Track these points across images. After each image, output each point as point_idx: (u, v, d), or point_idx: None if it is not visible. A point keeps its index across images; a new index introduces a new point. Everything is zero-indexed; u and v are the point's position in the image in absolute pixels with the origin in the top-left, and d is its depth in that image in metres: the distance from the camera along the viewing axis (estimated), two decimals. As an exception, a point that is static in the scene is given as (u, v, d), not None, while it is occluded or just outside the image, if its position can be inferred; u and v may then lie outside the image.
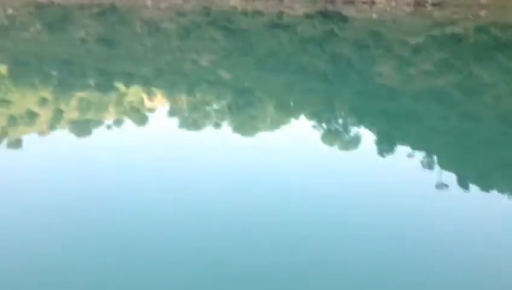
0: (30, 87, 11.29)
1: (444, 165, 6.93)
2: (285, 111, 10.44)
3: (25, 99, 10.10)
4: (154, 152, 7.06)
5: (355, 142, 8.30)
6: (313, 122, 9.50)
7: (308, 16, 38.13)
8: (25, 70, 13.52)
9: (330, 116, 10.07)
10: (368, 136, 8.62)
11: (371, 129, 9.10)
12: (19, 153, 6.98)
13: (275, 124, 9.46)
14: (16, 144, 7.41)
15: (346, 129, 9.02)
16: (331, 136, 8.55)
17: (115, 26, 27.68)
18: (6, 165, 6.42)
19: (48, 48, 18.28)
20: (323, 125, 9.27)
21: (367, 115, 10.09)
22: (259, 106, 10.80)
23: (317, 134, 8.62)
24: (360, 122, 9.63)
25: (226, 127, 8.89)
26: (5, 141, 7.44)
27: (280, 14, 38.57)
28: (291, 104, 11.27)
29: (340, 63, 17.05)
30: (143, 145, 7.50)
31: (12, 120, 8.53)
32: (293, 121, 9.68)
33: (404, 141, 8.12)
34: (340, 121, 9.78)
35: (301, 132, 8.92)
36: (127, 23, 29.97)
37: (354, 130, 9.02)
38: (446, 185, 5.97)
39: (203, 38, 22.61)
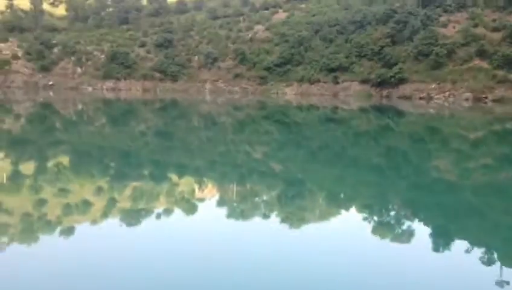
0: (88, 177, 12.11)
1: (504, 262, 6.52)
2: (335, 203, 10.41)
3: (81, 189, 10.82)
4: (202, 242, 7.23)
5: (408, 235, 8.04)
6: (364, 215, 9.38)
7: (363, 110, 39.08)
8: (85, 161, 14.61)
9: (382, 208, 9.89)
10: (422, 230, 8.35)
11: (426, 223, 8.81)
12: (71, 241, 7.38)
13: (325, 216, 9.43)
14: (69, 231, 7.85)
15: (399, 222, 8.79)
16: (382, 229, 8.35)
17: (174, 119, 29.62)
18: (58, 252, 6.79)
19: (109, 140, 19.78)
20: (375, 217, 9.10)
21: (422, 209, 9.83)
22: (309, 198, 10.86)
23: (368, 226, 8.46)
24: (414, 215, 9.37)
25: (274, 217, 8.96)
26: (58, 229, 7.91)
27: (335, 109, 39.80)
28: (342, 196, 11.24)
29: (394, 156, 17.02)
30: (191, 234, 7.72)
31: (68, 209, 9.11)
32: (343, 212, 9.61)
33: (461, 236, 7.77)
34: (393, 213, 9.57)
35: (351, 224, 8.81)
36: (186, 116, 31.99)
37: (408, 223, 8.77)
38: (507, 283, 5.59)
39: (257, 132, 23.56)
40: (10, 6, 78.65)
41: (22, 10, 77.49)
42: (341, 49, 58.75)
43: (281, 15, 70.54)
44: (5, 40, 68.27)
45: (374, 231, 8.30)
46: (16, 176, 11.96)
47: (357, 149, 18.54)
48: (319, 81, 58.49)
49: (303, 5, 72.93)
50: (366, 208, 9.96)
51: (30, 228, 7.92)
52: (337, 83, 57.42)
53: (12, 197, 9.92)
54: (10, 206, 9.15)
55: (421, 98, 49.16)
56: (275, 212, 9.35)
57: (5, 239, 7.29)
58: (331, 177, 13.03)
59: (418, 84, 50.83)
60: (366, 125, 27.92)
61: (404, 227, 8.62)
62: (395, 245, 7.76)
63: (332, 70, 57.64)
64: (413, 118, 32.99)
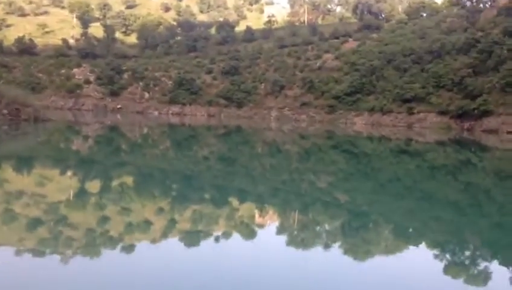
0: (150, 198, 12.71)
1: None
2: (404, 238, 10.13)
3: (143, 209, 11.38)
4: (260, 267, 7.36)
5: (485, 277, 7.66)
6: (434, 252, 9.06)
7: (440, 144, 37.75)
8: (148, 183, 15.34)
9: (456, 247, 9.50)
10: (502, 272, 7.92)
11: (506, 265, 8.34)
12: (130, 258, 7.80)
13: (391, 250, 9.21)
14: (129, 249, 8.28)
15: (474, 263, 8.40)
16: (455, 269, 8.02)
17: (237, 146, 30.30)
18: (117, 268, 7.21)
19: (172, 163, 20.62)
20: (447, 256, 8.77)
21: (503, 249, 9.31)
22: (375, 230, 10.67)
23: (439, 265, 8.16)
24: (493, 256, 8.91)
25: (336, 248, 8.91)
26: (119, 245, 8.38)
27: (408, 141, 38.80)
28: (411, 230, 10.92)
29: (475, 193, 16.30)
30: (249, 259, 7.88)
31: (129, 227, 9.62)
32: (411, 248, 9.34)
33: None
34: (468, 253, 9.16)
35: (420, 260, 8.54)
36: (250, 143, 32.61)
37: (485, 264, 8.36)
38: None
39: (323, 161, 23.52)
40: (85, 34, 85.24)
41: (96, 38, 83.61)
42: (416, 79, 57.61)
43: (351, 44, 70.61)
44: (79, 66, 73.80)
45: (446, 270, 8.00)
46: (82, 194, 12.82)
47: (431, 184, 17.94)
48: (391, 111, 57.50)
49: (374, 35, 72.59)
50: (438, 245, 9.61)
51: (93, 243, 8.45)
52: (412, 113, 56.10)
53: (78, 213, 10.63)
54: (75, 221, 9.82)
55: (509, 132, 46.68)
56: (338, 243, 9.29)
57: (69, 252, 7.84)
58: (401, 211, 12.72)
59: (506, 117, 48.40)
60: (443, 159, 26.94)
61: (481, 268, 8.22)
62: (469, 287, 7.43)
63: (406, 100, 56.51)
64: (499, 154, 31.38)
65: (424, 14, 79.27)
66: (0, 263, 7.17)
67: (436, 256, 8.80)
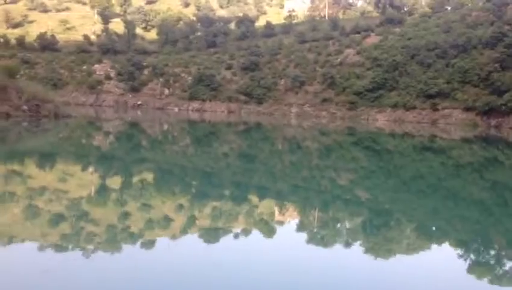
0: (170, 195, 12.86)
1: None
2: (427, 236, 10.03)
3: (163, 205, 11.52)
4: (278, 263, 7.39)
5: (510, 277, 7.54)
6: (458, 251, 8.96)
7: (465, 141, 37.15)
8: (168, 179, 15.52)
9: (481, 247, 9.38)
10: (528, 274, 7.78)
11: (533, 266, 8.20)
12: (150, 254, 7.92)
13: (413, 249, 9.13)
14: (149, 244, 8.41)
15: (500, 263, 8.28)
16: (480, 269, 7.92)
17: (257, 142, 30.35)
18: (138, 263, 7.33)
19: (192, 160, 20.78)
20: (472, 256, 8.66)
21: (530, 250, 9.14)
22: (397, 229, 10.59)
23: (463, 264, 8.07)
24: (520, 256, 8.75)
25: (357, 246, 8.88)
26: (139, 241, 8.51)
27: (432, 137, 38.28)
28: (434, 229, 10.80)
29: (501, 192, 16.02)
30: (268, 256, 7.92)
31: (150, 223, 9.75)
32: (434, 247, 9.25)
33: None
34: (493, 253, 9.02)
35: (443, 260, 8.46)
36: (270, 140, 32.62)
37: (510, 264, 8.22)
38: None
39: (344, 158, 23.41)
40: (106, 30, 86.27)
41: (116, 34, 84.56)
42: (441, 75, 56.74)
43: (373, 39, 69.78)
44: (100, 62, 74.80)
45: (470, 270, 7.90)
46: (103, 190, 13.03)
47: (456, 182, 17.71)
48: (415, 107, 56.78)
49: (397, 29, 71.56)
50: (463, 244, 9.50)
51: (113, 239, 8.60)
52: (436, 110, 55.32)
53: (99, 208, 10.82)
54: (97, 217, 10.00)
55: (538, 130, 45.69)
56: (359, 241, 9.25)
57: (90, 247, 8.00)
58: (424, 209, 12.59)
59: (535, 113, 47.36)
60: (469, 157, 26.53)
61: (506, 268, 8.11)
62: (494, 287, 7.33)
63: (430, 96, 55.74)
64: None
65: (449, 8, 77.80)
66: (23, 257, 7.36)
67: (460, 256, 8.71)
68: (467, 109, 53.02)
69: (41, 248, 7.72)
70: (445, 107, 54.92)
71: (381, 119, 57.51)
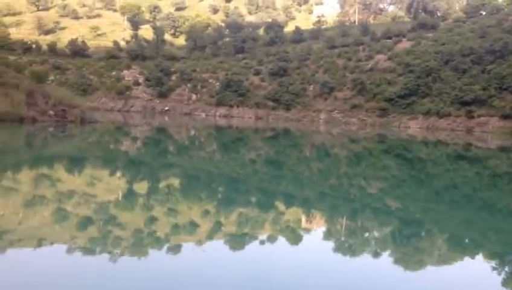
0: (196, 200, 12.99)
1: None
2: (459, 248, 9.84)
3: (189, 210, 11.66)
4: (304, 271, 7.39)
5: (547, 292, 7.32)
6: (493, 264, 8.76)
7: (503, 150, 36.19)
8: (194, 185, 15.67)
9: (518, 259, 9.12)
10: None
11: None
12: (176, 259, 8.04)
13: (445, 261, 8.98)
14: (176, 249, 8.53)
15: (537, 276, 8.04)
16: (515, 282, 7.71)
17: (285, 149, 30.33)
18: (164, 268, 7.45)
19: (219, 166, 20.94)
20: (507, 268, 8.44)
21: None
22: (428, 239, 10.42)
23: (498, 278, 7.89)
24: (558, 271, 8.48)
25: (386, 257, 8.78)
26: (165, 246, 8.64)
27: (468, 146, 37.47)
28: (467, 241, 10.58)
29: (541, 203, 15.54)
30: (294, 263, 7.92)
31: (176, 228, 9.89)
32: (467, 259, 9.06)
33: None
34: (531, 266, 8.77)
35: (477, 272, 8.28)
36: (298, 147, 32.57)
37: (548, 278, 7.98)
38: None
39: (374, 166, 23.16)
40: (135, 36, 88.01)
41: (146, 40, 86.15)
42: (477, 81, 55.59)
43: (405, 44, 68.96)
44: (129, 68, 76.28)
45: (505, 283, 7.71)
46: (130, 194, 13.27)
47: (492, 192, 17.26)
48: (449, 115, 55.74)
49: (430, 34, 70.52)
50: (497, 256, 9.28)
51: (140, 243, 8.75)
52: (472, 117, 54.13)
53: (127, 213, 11.03)
54: (124, 221, 10.20)
55: None
56: (388, 251, 9.14)
57: (117, 250, 8.16)
58: (456, 220, 12.34)
59: None
60: (506, 167, 25.81)
61: (544, 282, 7.87)
62: (530, 301, 7.15)
63: (466, 103, 54.63)
64: None
65: (484, 13, 76.28)
66: (52, 259, 7.57)
67: (494, 268, 8.52)
68: (505, 117, 51.71)
69: (69, 251, 7.93)
70: (481, 114, 53.71)
71: (413, 127, 56.67)
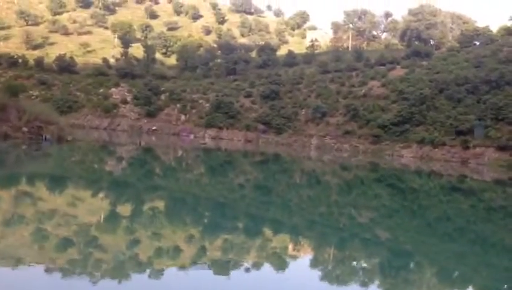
0: (181, 224, 13.01)
1: None
2: (449, 281, 9.94)
3: (173, 235, 11.67)
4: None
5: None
6: (483, 300, 8.85)
7: (498, 183, 36.48)
8: (179, 208, 15.69)
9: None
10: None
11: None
12: (158, 283, 8.05)
13: (433, 294, 9.06)
14: (158, 274, 8.55)
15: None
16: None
17: (274, 174, 30.41)
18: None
19: (206, 189, 20.96)
20: (497, 304, 8.54)
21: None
22: (418, 272, 10.50)
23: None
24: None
25: (374, 287, 8.85)
26: (148, 271, 8.65)
27: (462, 177, 37.79)
28: (458, 275, 10.67)
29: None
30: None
31: (159, 252, 9.91)
32: (456, 293, 9.16)
33: None
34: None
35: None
36: (288, 172, 32.66)
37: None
38: None
39: (365, 195, 23.31)
40: (125, 54, 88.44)
41: (136, 58, 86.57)
42: (472, 111, 56.37)
43: (399, 71, 70.03)
44: (117, 85, 76.43)
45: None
46: (112, 216, 13.24)
47: (486, 226, 17.35)
48: (443, 144, 56.17)
49: (424, 62, 71.79)
50: (487, 291, 9.38)
51: (122, 266, 8.74)
52: (467, 148, 54.52)
53: (108, 236, 11.00)
54: (106, 243, 10.18)
55: None
56: (376, 282, 9.21)
57: (98, 273, 8.15)
58: (448, 253, 12.44)
59: None
60: (502, 200, 25.92)
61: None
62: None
63: (461, 133, 55.18)
64: None
65: (477, 43, 77.93)
66: (31, 280, 7.54)
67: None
68: (501, 148, 52.18)
69: (48, 271, 7.92)
70: (476, 145, 54.22)
71: (406, 156, 57.08)
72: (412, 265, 11.02)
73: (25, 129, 31.15)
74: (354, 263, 10.67)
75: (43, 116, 33.34)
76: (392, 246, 12.65)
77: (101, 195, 17.36)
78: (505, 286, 9.98)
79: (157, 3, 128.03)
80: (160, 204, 16.27)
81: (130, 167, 28.39)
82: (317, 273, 9.33)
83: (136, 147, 45.19)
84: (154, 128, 70.80)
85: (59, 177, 20.71)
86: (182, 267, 8.96)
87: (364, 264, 10.67)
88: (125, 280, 7.96)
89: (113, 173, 24.09)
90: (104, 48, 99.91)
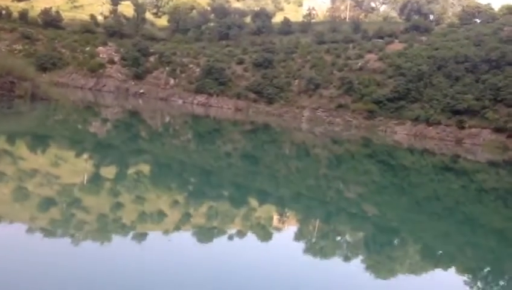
0: (166, 190, 13.13)
1: None
2: (433, 260, 10.23)
3: (158, 200, 11.81)
4: (272, 270, 7.64)
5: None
6: (465, 278, 9.15)
7: (492, 164, 37.00)
8: (165, 174, 15.79)
9: (491, 276, 9.54)
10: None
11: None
12: (141, 247, 8.20)
13: (416, 271, 9.33)
14: (140, 238, 8.69)
15: (506, 292, 8.45)
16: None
17: (263, 145, 30.56)
18: (127, 255, 7.61)
19: (192, 156, 21.07)
20: (479, 284, 8.84)
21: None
22: (402, 249, 10.78)
23: (467, 290, 8.27)
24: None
25: (357, 262, 9.09)
26: (130, 234, 8.79)
27: (455, 157, 38.23)
28: (442, 253, 10.97)
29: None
30: (260, 261, 8.16)
31: (143, 216, 10.04)
32: (440, 271, 9.43)
33: None
34: (503, 283, 9.18)
35: (447, 285, 8.63)
36: (277, 143, 32.83)
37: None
38: None
39: (355, 170, 23.57)
40: (114, 11, 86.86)
41: (125, 17, 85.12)
42: (470, 90, 56.52)
43: (397, 46, 69.70)
44: (104, 44, 75.35)
45: (475, 296, 8.10)
46: (96, 179, 13.32)
47: (476, 207, 17.69)
48: (439, 123, 56.49)
49: (423, 37, 71.50)
50: (470, 271, 9.69)
51: (104, 228, 8.88)
52: (463, 128, 54.90)
53: (91, 197, 11.10)
54: (89, 205, 10.29)
55: None
56: (360, 257, 9.46)
57: (80, 235, 8.28)
58: (434, 231, 12.75)
59: None
60: (494, 182, 26.29)
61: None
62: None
63: (457, 112, 55.38)
64: None
65: (478, 20, 77.65)
66: (10, 239, 7.64)
67: (466, 283, 8.89)
68: (497, 130, 52.55)
69: (30, 231, 8.02)
70: (472, 125, 54.55)
71: (400, 132, 57.46)
72: (396, 242, 11.30)
73: (-5, 85, 28.77)
74: (339, 237, 10.92)
75: (16, 72, 30.74)
76: (378, 222, 12.92)
77: (84, 156, 17.40)
78: (488, 265, 10.28)
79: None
80: (145, 168, 16.35)
81: (115, 130, 28.32)
82: (300, 245, 9.54)
83: (122, 109, 44.98)
84: (141, 91, 70.25)
85: (36, 136, 20.64)
86: (166, 231, 9.12)
87: (349, 239, 10.92)
88: (108, 242, 8.10)
89: (97, 135, 24.06)
90: (92, 4, 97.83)
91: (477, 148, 48.75)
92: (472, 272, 9.70)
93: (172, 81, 71.51)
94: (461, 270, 9.70)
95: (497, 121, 52.43)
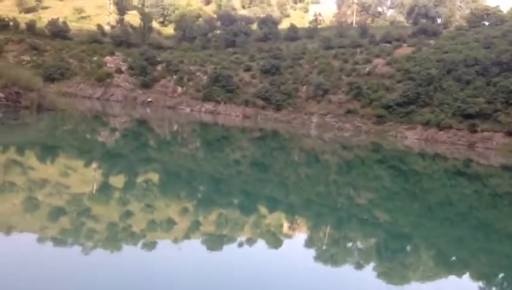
0: (175, 198, 13.17)
1: None
2: (446, 266, 10.15)
3: (167, 208, 11.84)
4: (283, 278, 7.61)
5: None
6: (479, 284, 9.07)
7: (506, 168, 36.68)
8: (174, 182, 15.85)
9: (507, 283, 9.44)
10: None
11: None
12: (151, 256, 8.22)
13: (430, 278, 9.26)
14: (150, 246, 8.71)
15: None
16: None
17: (272, 152, 30.57)
18: (136, 264, 7.63)
19: (201, 164, 21.12)
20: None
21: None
22: (415, 255, 10.70)
23: (482, 297, 8.19)
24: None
25: (369, 269, 9.04)
26: (140, 243, 8.81)
27: (468, 162, 37.96)
28: (456, 259, 10.88)
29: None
30: (271, 268, 8.14)
31: (152, 225, 10.07)
32: (452, 278, 9.35)
33: None
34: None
35: (461, 290, 8.58)
36: (286, 150, 32.83)
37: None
38: None
39: (365, 176, 23.50)
40: (121, 21, 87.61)
41: (132, 26, 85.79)
42: (481, 93, 56.21)
43: (405, 50, 69.61)
44: (112, 54, 75.93)
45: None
46: (105, 188, 13.39)
47: (490, 213, 17.51)
48: (450, 127, 56.19)
49: (431, 41, 71.33)
50: (485, 277, 9.59)
51: (114, 237, 8.91)
52: (475, 131, 54.51)
53: (101, 207, 11.16)
54: (98, 214, 10.34)
55: None
56: (372, 264, 9.41)
57: (90, 244, 8.32)
58: (447, 237, 12.66)
59: None
60: (508, 187, 26.04)
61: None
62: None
63: (468, 116, 55.07)
64: None
65: (487, 23, 77.37)
66: (21, 249, 7.69)
67: (481, 289, 8.81)
68: (510, 133, 52.25)
69: (40, 241, 8.07)
70: (485, 129, 54.16)
71: (410, 137, 57.25)
72: (409, 248, 11.22)
73: (1, 95, 29.05)
74: (350, 244, 10.87)
75: (23, 82, 30.69)
76: (390, 228, 12.85)
77: (93, 166, 17.50)
78: (503, 271, 10.18)
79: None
80: (154, 177, 16.42)
81: (123, 139, 28.46)
82: (311, 252, 9.52)
83: (130, 118, 45.20)
84: (149, 100, 70.63)
85: (46, 147, 20.79)
86: (175, 240, 9.14)
87: (360, 246, 10.87)
88: (117, 251, 8.13)
89: (106, 144, 24.19)
90: (99, 14, 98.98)
91: (490, 152, 48.39)
92: (486, 278, 9.61)
93: (179, 90, 71.84)
94: (475, 277, 9.62)
95: (509, 124, 52.03)
